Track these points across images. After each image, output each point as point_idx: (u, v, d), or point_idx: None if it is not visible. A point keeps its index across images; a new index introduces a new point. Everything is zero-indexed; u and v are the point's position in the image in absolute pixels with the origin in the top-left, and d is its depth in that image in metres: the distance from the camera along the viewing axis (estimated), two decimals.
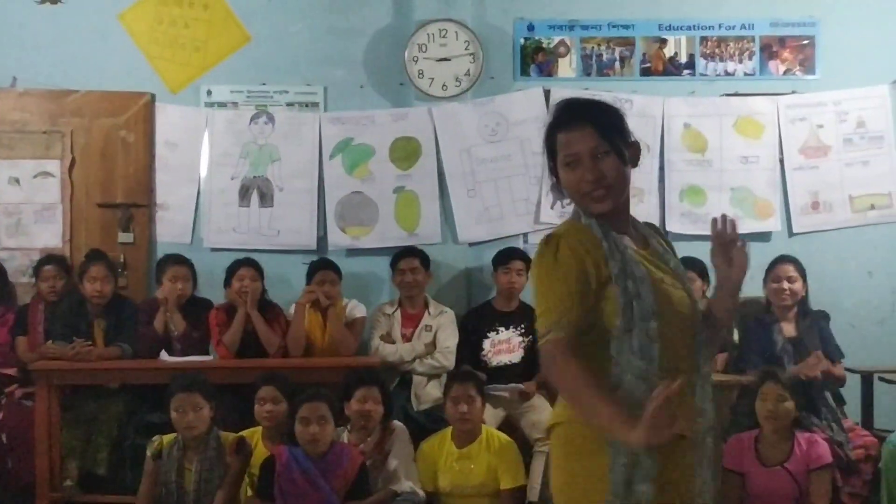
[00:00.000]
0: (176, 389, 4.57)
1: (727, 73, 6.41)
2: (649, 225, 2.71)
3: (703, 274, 5.84)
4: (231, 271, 5.72)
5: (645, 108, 6.32)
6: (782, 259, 5.44)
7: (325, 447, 4.47)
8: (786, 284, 5.34)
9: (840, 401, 5.32)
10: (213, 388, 4.67)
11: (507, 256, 5.86)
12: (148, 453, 4.59)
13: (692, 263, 5.85)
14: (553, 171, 2.55)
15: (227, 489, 4.47)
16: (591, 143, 2.46)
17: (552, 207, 5.62)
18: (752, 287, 5.59)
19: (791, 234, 6.34)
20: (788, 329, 5.32)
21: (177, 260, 5.82)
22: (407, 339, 5.80)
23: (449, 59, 6.27)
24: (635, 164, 2.56)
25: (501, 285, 5.81)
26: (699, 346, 2.53)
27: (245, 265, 5.71)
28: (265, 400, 4.82)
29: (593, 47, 6.42)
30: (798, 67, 6.41)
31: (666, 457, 2.38)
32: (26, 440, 5.23)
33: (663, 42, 6.43)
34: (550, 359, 2.41)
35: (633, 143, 2.55)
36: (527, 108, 6.31)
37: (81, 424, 5.36)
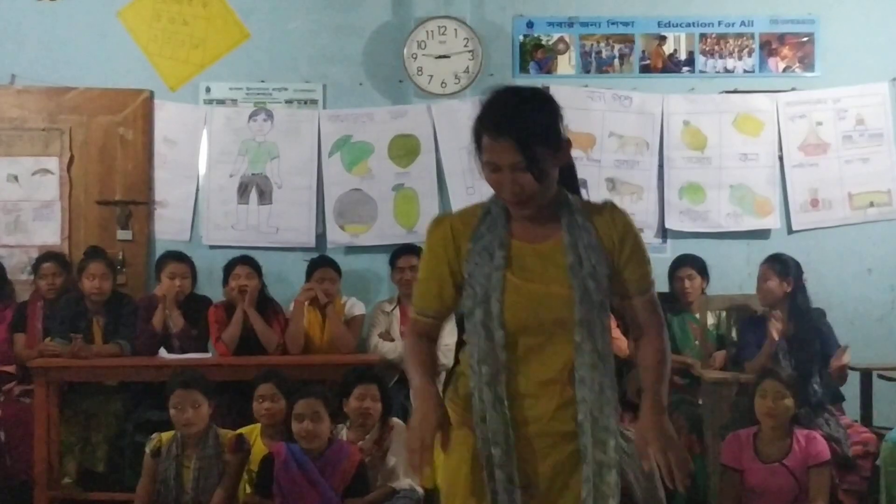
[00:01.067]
0: (174, 386, 4.55)
1: (727, 71, 6.41)
2: (598, 206, 2.59)
3: (702, 271, 5.86)
4: (228, 269, 5.72)
5: (644, 105, 6.32)
6: (764, 260, 5.45)
7: (321, 444, 4.46)
8: (759, 282, 5.36)
9: (839, 398, 5.32)
10: (212, 386, 4.66)
11: None
12: (146, 451, 4.58)
13: (691, 260, 5.88)
14: (478, 152, 2.51)
15: (225, 486, 4.47)
16: (510, 159, 2.41)
17: None
18: (753, 286, 5.60)
19: (790, 231, 6.34)
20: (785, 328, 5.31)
21: (176, 257, 5.82)
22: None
23: (448, 57, 6.27)
24: (563, 162, 2.51)
25: None
26: (578, 345, 2.46)
27: (241, 263, 5.71)
28: (264, 397, 4.81)
29: (592, 44, 6.42)
30: (797, 65, 6.41)
31: (526, 458, 2.47)
32: (25, 437, 5.23)
33: (663, 39, 6.42)
34: (406, 335, 2.70)
35: (561, 144, 2.47)
36: None
37: (80, 422, 5.36)
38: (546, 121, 2.45)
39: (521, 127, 2.40)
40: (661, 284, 5.85)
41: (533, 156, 2.39)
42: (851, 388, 5.45)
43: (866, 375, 5.52)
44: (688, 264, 5.85)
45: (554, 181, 2.48)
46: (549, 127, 2.45)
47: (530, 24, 6.42)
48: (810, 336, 5.22)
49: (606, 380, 2.48)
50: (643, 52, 6.42)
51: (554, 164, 2.46)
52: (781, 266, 5.32)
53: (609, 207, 2.58)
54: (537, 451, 2.49)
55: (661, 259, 6.07)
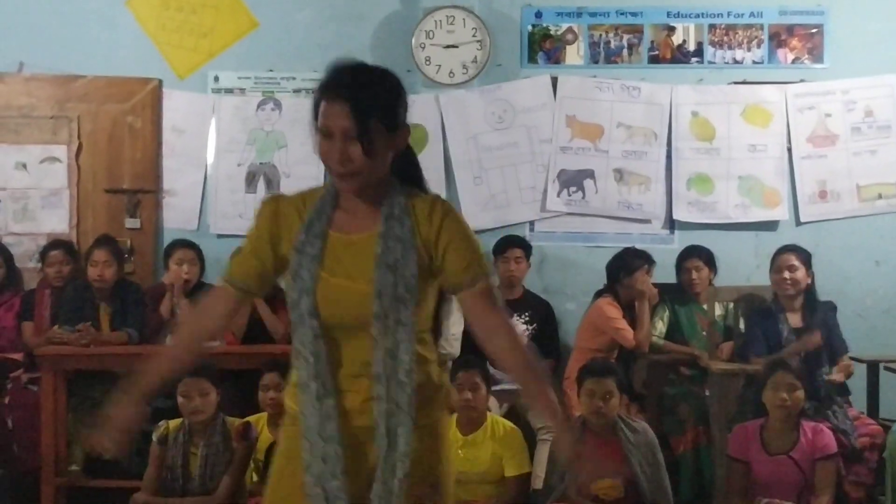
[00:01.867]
0: (182, 374, 4.56)
1: (735, 62, 6.39)
2: (422, 198, 2.51)
3: (710, 262, 5.85)
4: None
5: (653, 95, 6.31)
6: (785, 248, 5.41)
7: None
8: (787, 274, 5.29)
9: (845, 391, 5.32)
10: (220, 374, 4.67)
11: (505, 245, 5.82)
12: (154, 438, 4.59)
13: (699, 252, 5.88)
14: (314, 120, 2.44)
15: (232, 474, 4.48)
16: (343, 124, 2.36)
17: (559, 195, 5.70)
18: (760, 277, 5.60)
19: (798, 223, 6.32)
20: (794, 319, 5.29)
21: (184, 244, 5.82)
22: None
23: (456, 46, 6.27)
24: (398, 148, 2.46)
25: (501, 274, 5.75)
26: (375, 341, 2.43)
27: None
28: (269, 387, 4.81)
29: (601, 34, 6.40)
30: (806, 56, 6.38)
31: (351, 450, 2.46)
32: (32, 425, 5.24)
33: (671, 30, 6.40)
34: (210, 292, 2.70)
35: (398, 127, 2.44)
36: (534, 95, 6.30)
37: (87, 409, 5.36)
38: (386, 97, 2.42)
39: (360, 94, 2.37)
40: (669, 275, 5.86)
41: (366, 126, 2.35)
42: (858, 381, 5.45)
43: (873, 367, 5.52)
44: (695, 255, 5.84)
45: (384, 163, 2.44)
46: (388, 104, 2.41)
47: (539, 14, 6.40)
48: (818, 328, 5.21)
49: (400, 376, 2.42)
50: (652, 42, 6.40)
51: (387, 144, 2.41)
52: (806, 256, 5.31)
53: (431, 199, 2.52)
54: (352, 446, 2.46)
55: (668, 250, 6.08)
